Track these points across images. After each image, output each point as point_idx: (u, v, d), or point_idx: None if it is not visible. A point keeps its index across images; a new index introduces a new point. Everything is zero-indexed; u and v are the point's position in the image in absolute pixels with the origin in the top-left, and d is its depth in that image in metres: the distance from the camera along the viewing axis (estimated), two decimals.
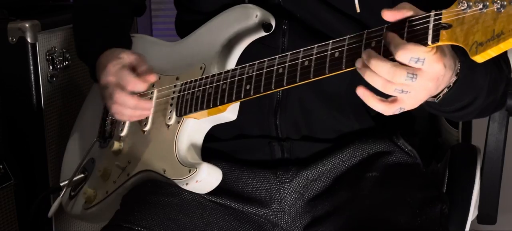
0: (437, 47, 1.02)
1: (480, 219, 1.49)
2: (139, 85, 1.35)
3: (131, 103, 1.36)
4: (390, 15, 1.04)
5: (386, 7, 1.24)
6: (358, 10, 1.25)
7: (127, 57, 1.38)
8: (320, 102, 1.32)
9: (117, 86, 1.35)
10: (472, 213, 1.43)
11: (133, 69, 1.38)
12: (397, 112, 1.06)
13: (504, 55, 1.24)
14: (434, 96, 1.13)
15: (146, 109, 1.38)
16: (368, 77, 1.04)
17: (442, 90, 1.11)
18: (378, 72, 1.03)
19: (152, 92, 1.43)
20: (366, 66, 1.04)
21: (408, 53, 1.00)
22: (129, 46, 1.53)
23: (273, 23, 1.30)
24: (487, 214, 1.48)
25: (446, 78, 1.07)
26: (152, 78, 1.37)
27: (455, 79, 1.10)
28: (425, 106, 1.18)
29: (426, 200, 1.29)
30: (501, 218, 1.51)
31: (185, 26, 1.46)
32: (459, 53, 1.09)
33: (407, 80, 1.01)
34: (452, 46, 1.05)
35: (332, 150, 1.34)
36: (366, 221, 1.25)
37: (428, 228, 1.23)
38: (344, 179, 1.33)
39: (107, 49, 1.44)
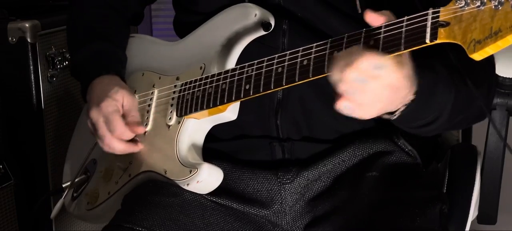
0: (396, 57, 1.02)
1: (480, 219, 1.49)
2: (127, 135, 1.36)
3: (120, 148, 1.37)
4: (372, 18, 1.05)
5: (386, 7, 1.25)
6: (360, 11, 1.25)
7: (121, 99, 1.37)
8: (321, 103, 1.32)
9: (106, 129, 1.36)
10: (472, 213, 1.43)
11: (123, 113, 1.38)
12: (347, 112, 1.05)
13: (491, 58, 1.25)
14: (390, 114, 1.13)
15: (134, 151, 1.40)
16: (333, 68, 1.05)
17: (398, 109, 1.12)
18: (337, 64, 1.04)
19: (152, 93, 1.43)
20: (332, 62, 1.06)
21: (368, 59, 1.00)
22: (123, 69, 1.51)
23: (272, 22, 1.30)
24: (487, 214, 1.48)
25: (403, 93, 1.07)
26: (140, 130, 1.38)
27: (412, 97, 1.10)
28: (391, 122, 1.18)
29: (426, 200, 1.29)
30: (501, 218, 1.51)
31: (183, 27, 1.46)
32: (419, 71, 1.09)
33: (356, 81, 1.01)
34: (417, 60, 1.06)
35: (332, 150, 1.34)
36: (366, 221, 1.25)
37: (427, 228, 1.23)
38: (344, 179, 1.33)
39: (103, 75, 1.43)
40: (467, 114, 1.23)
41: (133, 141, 1.38)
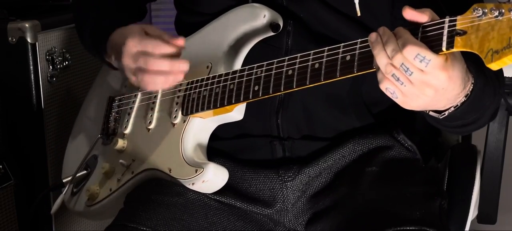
0: (448, 57, 1.02)
1: (480, 218, 1.50)
2: (168, 48, 1.25)
3: (166, 66, 1.24)
4: (410, 14, 1.04)
5: (386, 11, 1.25)
6: (359, 14, 1.26)
7: (139, 30, 1.29)
8: (322, 103, 1.33)
9: (145, 55, 1.25)
10: (472, 212, 1.44)
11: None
12: (389, 95, 1.06)
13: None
14: (439, 112, 1.13)
15: (181, 71, 1.25)
16: (377, 51, 1.04)
17: (448, 109, 1.12)
18: (386, 47, 1.03)
19: (157, 91, 1.42)
20: (378, 41, 1.05)
21: (415, 48, 1.00)
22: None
23: (281, 24, 1.30)
24: (487, 214, 1.49)
25: (450, 95, 1.07)
26: (181, 42, 1.27)
27: (463, 99, 1.10)
28: (427, 118, 1.18)
29: (426, 194, 1.29)
30: (501, 218, 1.52)
31: (185, 27, 1.46)
32: (473, 73, 1.09)
33: (402, 70, 1.01)
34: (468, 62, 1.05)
35: (332, 146, 1.35)
36: (366, 215, 1.25)
37: (427, 222, 1.23)
38: (345, 174, 1.34)
39: (118, 28, 1.37)
40: (496, 112, 1.24)
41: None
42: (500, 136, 1.46)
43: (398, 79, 1.03)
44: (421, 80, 1.02)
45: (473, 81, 1.10)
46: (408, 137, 1.37)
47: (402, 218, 1.22)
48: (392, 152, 1.35)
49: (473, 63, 1.09)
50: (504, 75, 1.43)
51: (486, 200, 1.48)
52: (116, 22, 1.39)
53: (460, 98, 1.10)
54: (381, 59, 1.04)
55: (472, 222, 1.45)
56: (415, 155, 1.37)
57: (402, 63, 1.01)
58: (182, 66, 1.25)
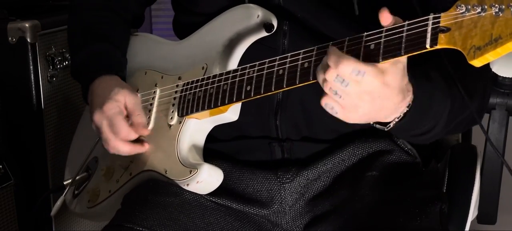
0: (387, 64, 1.03)
1: (480, 219, 1.49)
2: (132, 136, 1.36)
3: (125, 150, 1.36)
4: (384, 16, 1.05)
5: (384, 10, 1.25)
6: (357, 13, 1.25)
7: (123, 99, 1.36)
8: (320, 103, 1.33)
9: (111, 131, 1.35)
10: (472, 213, 1.43)
11: (127, 114, 1.37)
12: (329, 110, 1.08)
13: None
14: (384, 125, 1.14)
15: (140, 152, 1.38)
16: (319, 68, 1.08)
17: (392, 120, 1.12)
18: (323, 61, 1.07)
19: (154, 92, 1.43)
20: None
21: (350, 64, 1.02)
22: (124, 69, 1.50)
23: (275, 23, 1.30)
24: (487, 214, 1.48)
25: (388, 104, 1.08)
26: (145, 132, 1.38)
27: (406, 110, 1.11)
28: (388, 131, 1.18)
29: (426, 199, 1.29)
30: (501, 218, 1.52)
31: (183, 28, 1.46)
32: (413, 82, 1.10)
33: (336, 82, 1.03)
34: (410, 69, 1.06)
35: (332, 149, 1.35)
36: (366, 220, 1.25)
37: (427, 228, 1.23)
38: (344, 178, 1.34)
39: (103, 75, 1.43)
40: (462, 119, 1.23)
41: (138, 140, 1.38)
42: (500, 136, 1.45)
43: (336, 93, 1.05)
44: (357, 91, 1.04)
45: (413, 90, 1.11)
46: (408, 140, 1.36)
47: (402, 223, 1.22)
48: (392, 156, 1.35)
49: (417, 71, 1.11)
50: (504, 75, 1.43)
51: (486, 200, 1.47)
52: (99, 72, 1.44)
53: (402, 109, 1.11)
54: (318, 75, 1.08)
55: (472, 222, 1.44)
56: (415, 158, 1.37)
57: (337, 75, 1.03)
58: (142, 149, 1.38)
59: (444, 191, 1.44)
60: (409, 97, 1.11)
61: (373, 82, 1.03)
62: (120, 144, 1.35)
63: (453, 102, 1.18)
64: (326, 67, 1.05)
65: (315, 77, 1.14)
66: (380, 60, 1.04)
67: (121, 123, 1.34)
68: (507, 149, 1.47)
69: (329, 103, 1.07)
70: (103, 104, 1.35)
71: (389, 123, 1.14)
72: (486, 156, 1.46)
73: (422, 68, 1.14)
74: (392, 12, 1.06)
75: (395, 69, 1.05)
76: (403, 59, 1.05)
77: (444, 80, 1.18)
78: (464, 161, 1.48)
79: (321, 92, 1.28)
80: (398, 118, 1.12)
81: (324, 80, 1.06)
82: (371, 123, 1.15)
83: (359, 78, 1.02)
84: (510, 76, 1.43)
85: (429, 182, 1.36)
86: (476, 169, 1.47)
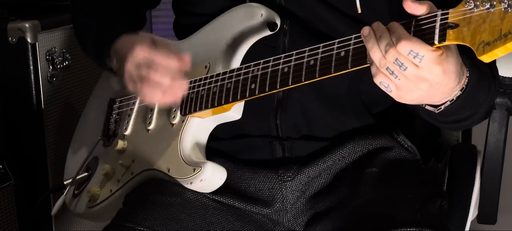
0: (444, 50, 1.02)
1: (480, 219, 1.50)
2: (175, 62, 1.24)
3: (167, 80, 1.23)
4: (410, 7, 1.04)
5: (385, 8, 1.25)
6: (359, 11, 1.26)
7: (150, 39, 1.28)
8: (321, 102, 1.33)
9: (150, 65, 1.23)
10: (472, 213, 1.44)
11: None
12: (383, 88, 1.06)
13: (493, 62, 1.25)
14: (435, 106, 1.13)
15: (181, 89, 1.25)
16: (371, 45, 1.04)
17: (445, 103, 1.12)
18: (380, 42, 1.03)
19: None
20: (371, 35, 1.04)
21: (408, 45, 1.00)
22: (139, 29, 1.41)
23: (278, 22, 1.30)
24: (487, 214, 1.49)
25: (445, 89, 1.07)
26: (187, 59, 1.26)
27: (459, 93, 1.10)
28: (421, 113, 1.18)
29: (426, 195, 1.29)
30: (501, 218, 1.52)
31: (184, 30, 1.46)
32: (468, 66, 1.09)
33: (396, 65, 1.01)
34: (462, 56, 1.05)
35: (332, 146, 1.35)
36: (366, 216, 1.25)
37: (428, 224, 1.22)
38: (345, 175, 1.34)
39: (119, 36, 1.35)
40: (491, 108, 1.25)
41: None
42: (500, 136, 1.46)
43: (392, 73, 1.03)
44: (415, 75, 1.02)
45: (468, 75, 1.10)
46: (407, 137, 1.37)
47: (402, 219, 1.22)
48: (392, 153, 1.35)
49: (468, 57, 1.09)
50: (505, 75, 1.44)
51: (486, 200, 1.47)
52: (120, 30, 1.37)
53: (456, 92, 1.10)
54: (374, 53, 1.03)
55: (472, 222, 1.45)
56: (415, 155, 1.37)
57: (396, 58, 1.01)
58: (183, 84, 1.25)
59: (444, 190, 1.45)
60: (464, 80, 1.10)
61: (434, 70, 1.02)
62: (162, 75, 1.23)
63: (490, 92, 1.19)
64: (386, 46, 1.02)
65: (321, 75, 1.14)
66: None
67: (158, 53, 1.24)
68: (507, 149, 1.48)
69: (384, 81, 1.04)
70: (133, 50, 1.26)
71: (441, 105, 1.12)
72: (486, 156, 1.47)
73: (468, 55, 1.11)
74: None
75: (452, 55, 1.03)
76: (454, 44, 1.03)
77: (490, 71, 1.18)
78: (464, 161, 1.49)
79: (321, 92, 1.30)
80: (450, 101, 1.11)
81: (382, 58, 1.03)
82: (422, 104, 1.14)
83: (417, 61, 1.01)
84: (510, 76, 1.44)
85: (429, 179, 1.37)
86: (476, 169, 1.47)
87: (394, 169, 1.33)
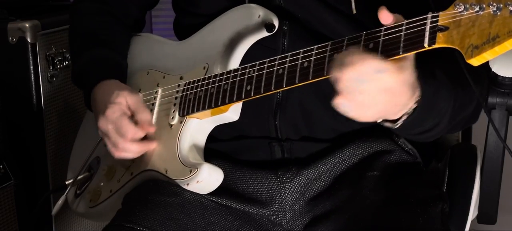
0: (399, 61, 1.03)
1: (480, 219, 1.49)
2: (139, 135, 1.34)
3: (135, 150, 1.35)
4: (386, 17, 1.05)
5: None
6: (354, 11, 1.26)
7: (124, 101, 1.36)
8: (320, 103, 1.32)
9: (117, 134, 1.34)
10: (472, 213, 1.43)
11: (132, 114, 1.36)
12: (340, 110, 1.06)
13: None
14: (393, 122, 1.14)
15: (143, 151, 1.37)
16: (334, 69, 1.05)
17: (401, 117, 1.12)
18: (340, 59, 1.04)
19: (156, 92, 1.43)
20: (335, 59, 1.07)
21: (372, 64, 1.01)
22: (124, 74, 1.50)
23: (276, 23, 1.30)
24: (487, 214, 1.48)
25: (401, 100, 1.08)
26: (151, 129, 1.36)
27: (415, 106, 1.11)
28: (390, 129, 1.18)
29: (427, 199, 1.29)
30: (501, 218, 1.52)
31: (184, 30, 1.46)
32: (421, 79, 1.10)
33: (354, 81, 1.02)
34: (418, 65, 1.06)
35: (332, 149, 1.35)
36: (367, 220, 1.25)
37: (429, 227, 1.23)
38: (345, 178, 1.34)
39: (102, 81, 1.43)
40: (462, 117, 1.24)
41: (145, 139, 1.37)
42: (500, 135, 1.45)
43: (351, 92, 1.03)
44: (376, 88, 1.03)
45: (421, 87, 1.10)
46: (408, 140, 1.36)
47: (404, 223, 1.22)
48: (392, 156, 1.35)
49: (424, 69, 1.10)
50: (504, 75, 1.43)
51: (486, 200, 1.47)
52: (100, 76, 1.44)
53: (411, 104, 1.11)
54: (334, 74, 1.05)
55: (472, 222, 1.44)
56: (416, 158, 1.37)
57: (355, 76, 1.02)
58: (151, 147, 1.37)
59: (444, 190, 1.44)
60: (418, 93, 1.10)
61: (393, 79, 1.03)
62: (129, 144, 1.34)
63: (455, 101, 1.19)
64: (344, 66, 1.03)
65: (314, 77, 1.14)
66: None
67: (127, 124, 1.33)
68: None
69: (343, 103, 1.05)
70: (105, 110, 1.35)
71: (397, 120, 1.13)
72: (486, 156, 1.46)
73: (427, 66, 1.14)
74: (393, 9, 1.06)
75: (407, 66, 1.04)
76: (411, 55, 1.04)
77: (448, 78, 1.18)
78: (464, 161, 1.48)
79: (320, 92, 1.29)
80: (407, 114, 1.12)
81: (339, 79, 1.03)
82: (379, 121, 1.15)
83: (379, 76, 1.02)
84: (510, 76, 1.43)
85: (430, 182, 1.36)
86: (476, 169, 1.46)
87: (395, 172, 1.33)
